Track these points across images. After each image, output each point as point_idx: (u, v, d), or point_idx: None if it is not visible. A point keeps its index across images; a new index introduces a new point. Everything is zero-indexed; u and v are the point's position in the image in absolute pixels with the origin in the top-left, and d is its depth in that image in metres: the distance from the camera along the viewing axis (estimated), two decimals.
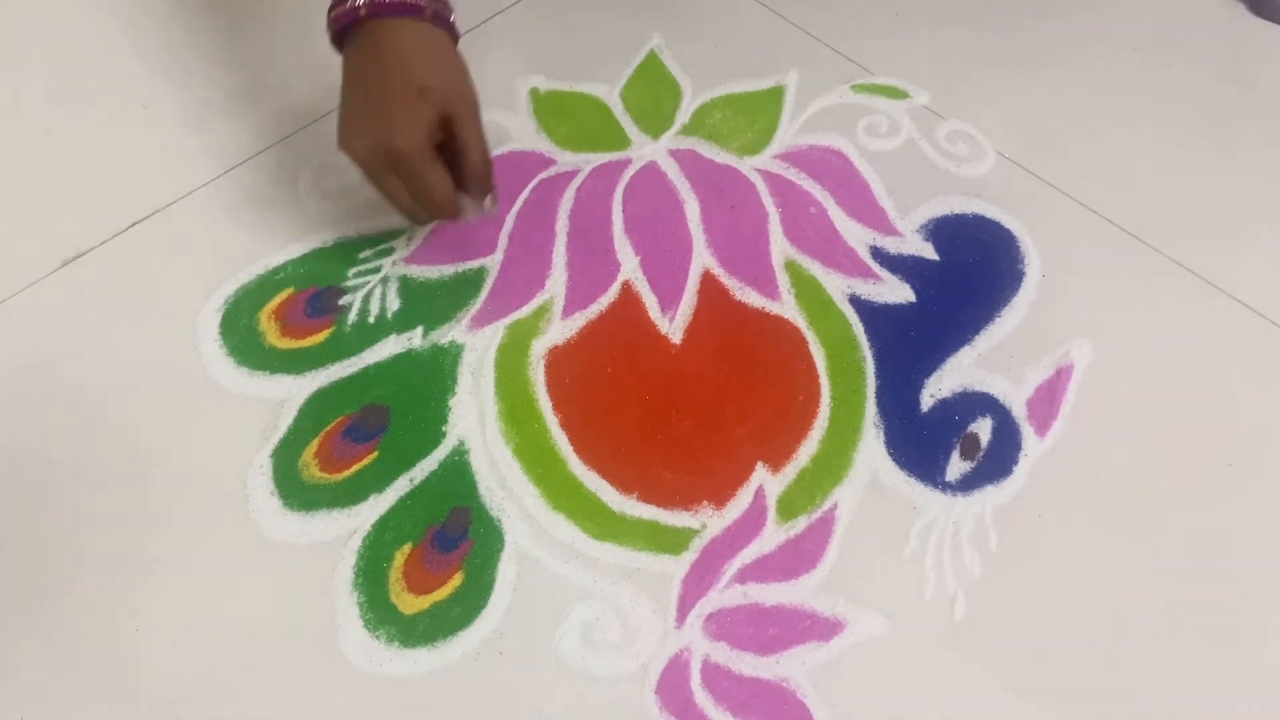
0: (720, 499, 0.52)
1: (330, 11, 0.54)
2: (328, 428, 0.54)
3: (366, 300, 0.59)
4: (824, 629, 0.48)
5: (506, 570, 0.50)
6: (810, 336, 0.58)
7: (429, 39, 0.53)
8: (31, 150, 0.67)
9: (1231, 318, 0.60)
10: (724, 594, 0.49)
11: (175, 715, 0.46)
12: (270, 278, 0.60)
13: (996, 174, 0.66)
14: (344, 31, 0.53)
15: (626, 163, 0.66)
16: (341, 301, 0.59)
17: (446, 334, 0.58)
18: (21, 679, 0.47)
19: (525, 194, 0.65)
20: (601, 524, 0.51)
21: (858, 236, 0.63)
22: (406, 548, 0.51)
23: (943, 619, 0.49)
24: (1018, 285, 0.61)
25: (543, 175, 0.66)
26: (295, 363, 0.57)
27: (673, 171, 0.66)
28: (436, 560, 0.50)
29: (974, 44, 0.74)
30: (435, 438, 0.54)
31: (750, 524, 0.52)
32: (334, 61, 0.55)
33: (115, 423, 0.54)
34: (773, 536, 0.51)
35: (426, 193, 0.52)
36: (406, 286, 0.60)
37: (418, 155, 0.51)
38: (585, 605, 0.49)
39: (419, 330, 0.58)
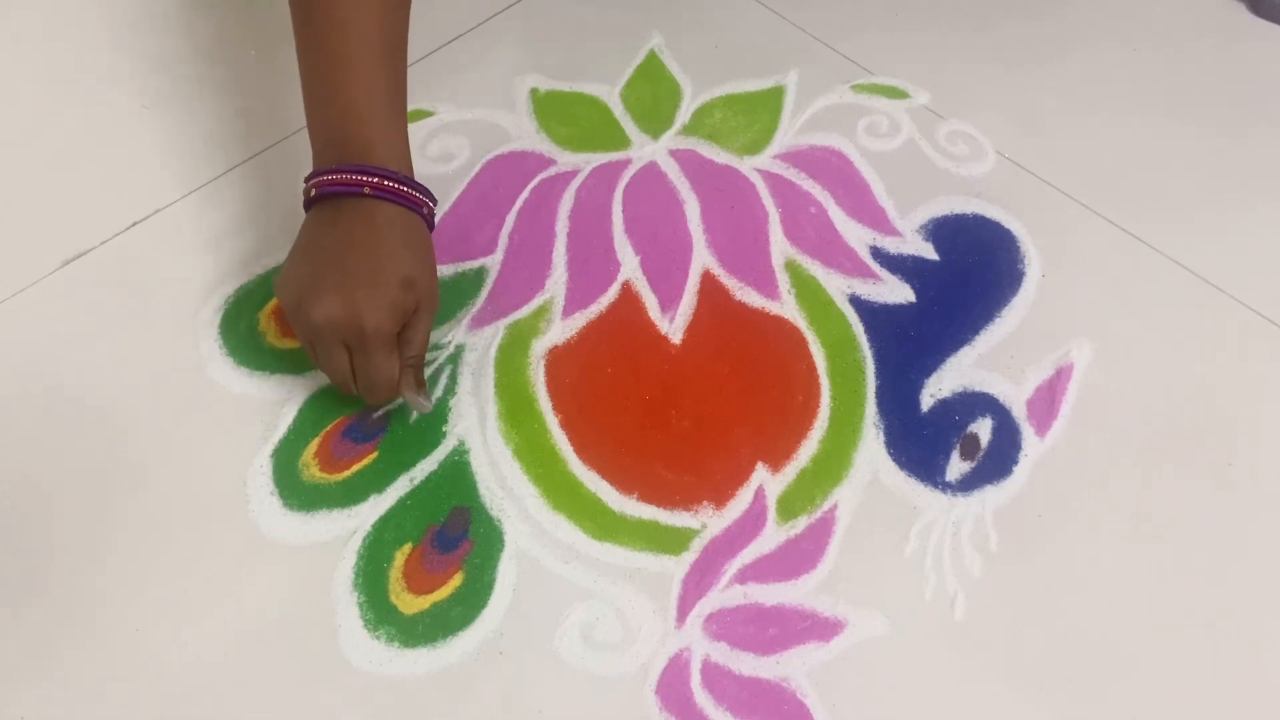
0: (720, 499, 0.52)
1: (316, 176, 0.52)
2: (328, 428, 0.54)
3: None
4: (824, 629, 0.48)
5: (506, 570, 0.50)
6: (810, 336, 0.58)
7: (418, 231, 0.52)
8: (31, 150, 0.67)
9: (1231, 318, 0.60)
10: (724, 594, 0.49)
11: (175, 715, 0.46)
12: (270, 278, 0.60)
13: (996, 174, 0.66)
14: (322, 197, 0.52)
15: (626, 163, 0.66)
16: None
17: (446, 334, 0.58)
18: (22, 679, 0.47)
19: (525, 194, 0.65)
20: (601, 524, 0.51)
21: (858, 236, 0.63)
22: (406, 548, 0.51)
23: (943, 619, 0.49)
24: (1018, 285, 0.61)
25: (543, 175, 0.66)
26: (295, 363, 0.57)
27: (673, 171, 0.66)
28: (436, 560, 0.50)
29: (974, 44, 0.74)
30: (435, 438, 0.54)
31: (750, 524, 0.52)
32: None
33: (115, 423, 0.54)
34: (773, 536, 0.51)
35: (372, 376, 0.50)
36: None
37: (384, 341, 0.50)
38: (585, 605, 0.49)
39: None
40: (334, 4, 0.52)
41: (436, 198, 0.55)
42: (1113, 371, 0.57)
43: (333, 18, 0.52)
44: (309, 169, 0.53)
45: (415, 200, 0.52)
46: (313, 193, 0.52)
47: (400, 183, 0.51)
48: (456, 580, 0.50)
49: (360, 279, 0.49)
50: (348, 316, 0.49)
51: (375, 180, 0.51)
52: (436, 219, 0.62)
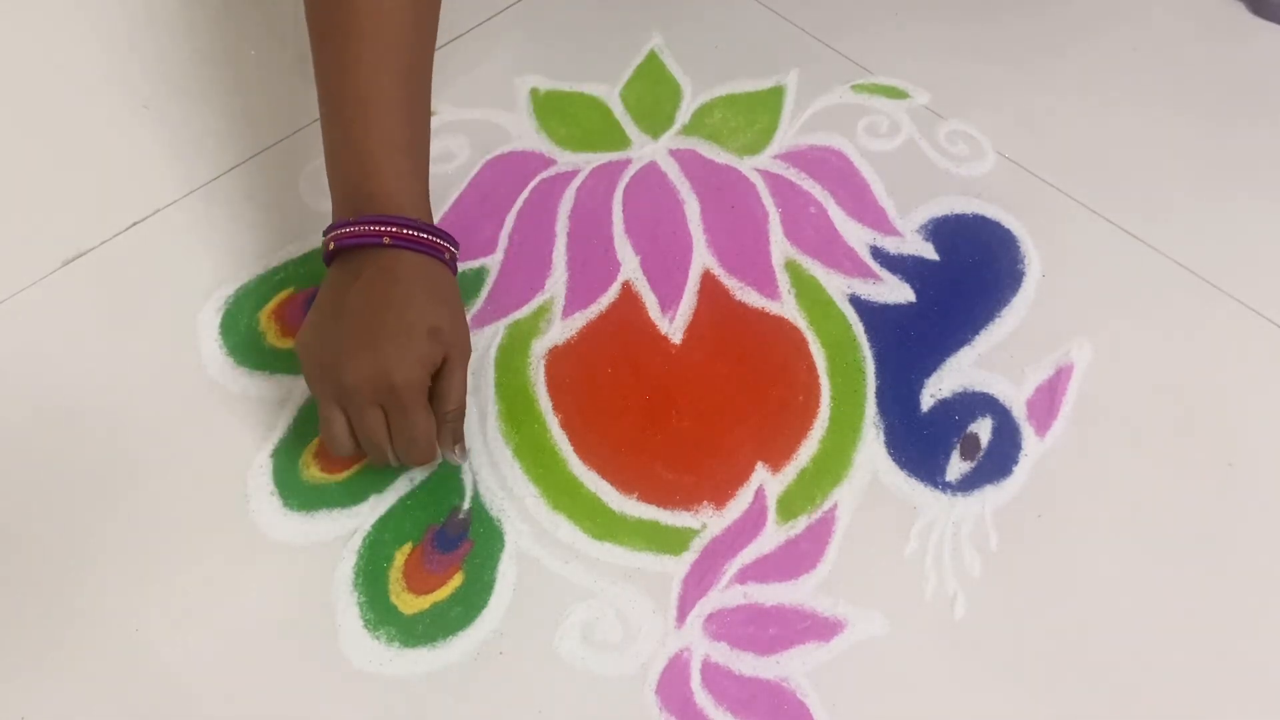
0: (720, 499, 0.52)
1: (335, 230, 0.50)
2: None
3: None
4: (824, 629, 0.48)
5: (506, 570, 0.50)
6: (810, 336, 0.58)
7: (442, 278, 0.51)
8: (31, 150, 0.67)
9: (1232, 317, 0.60)
10: (724, 594, 0.49)
11: (175, 715, 0.46)
12: (270, 278, 0.60)
13: (996, 174, 0.66)
14: (342, 250, 0.50)
15: (626, 163, 0.66)
16: None
17: None
18: (22, 679, 0.47)
19: (525, 194, 0.65)
20: (601, 524, 0.51)
21: (858, 236, 0.63)
22: (406, 548, 0.51)
23: (943, 619, 0.49)
24: (1018, 285, 0.61)
25: (543, 175, 0.66)
26: (295, 363, 0.56)
27: (673, 171, 0.66)
28: (436, 560, 0.50)
29: (974, 44, 0.74)
30: None
31: (750, 524, 0.52)
32: None
33: (115, 422, 0.54)
34: (773, 536, 0.51)
35: (411, 434, 0.48)
36: None
37: (417, 393, 0.48)
38: (585, 605, 0.49)
39: None
40: (355, 40, 0.51)
41: (458, 241, 0.53)
42: (1113, 371, 0.57)
43: (353, 56, 0.51)
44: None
45: (437, 247, 0.50)
46: (331, 246, 0.50)
47: (420, 230, 0.50)
48: (456, 580, 0.50)
49: (386, 334, 0.47)
50: (377, 374, 0.47)
51: (394, 230, 0.49)
52: (437, 220, 0.62)
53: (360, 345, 0.47)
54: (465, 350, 0.51)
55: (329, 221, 0.51)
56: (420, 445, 0.49)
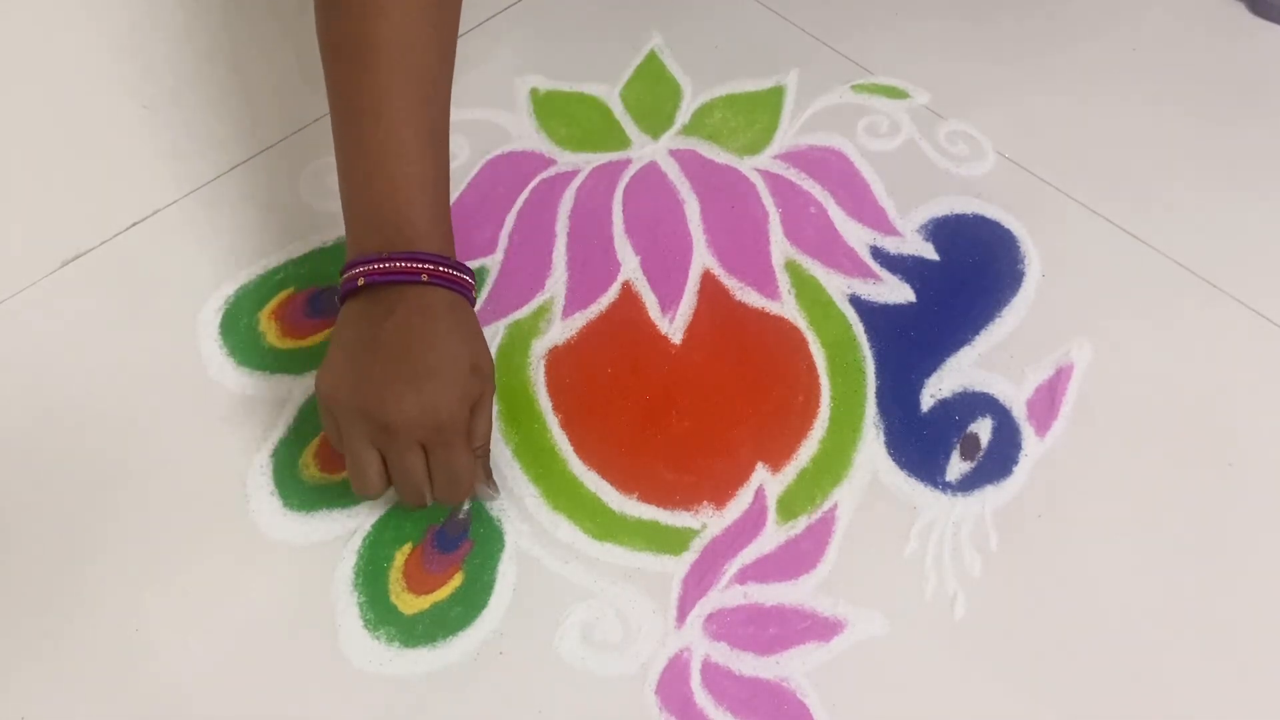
0: (720, 499, 0.52)
1: (362, 264, 0.48)
2: None
3: None
4: (824, 629, 0.48)
5: (506, 570, 0.50)
6: (810, 336, 0.58)
7: (469, 313, 0.50)
8: (32, 150, 0.67)
9: (1231, 318, 0.60)
10: (724, 594, 0.49)
11: (175, 715, 0.46)
12: (270, 278, 0.60)
13: (996, 174, 0.66)
14: (369, 286, 0.48)
15: (626, 163, 0.66)
16: None
17: None
18: (22, 679, 0.47)
19: (525, 194, 0.65)
20: (602, 524, 0.51)
21: (858, 236, 0.63)
22: (406, 548, 0.51)
23: (943, 619, 0.49)
24: (1018, 285, 0.61)
25: (543, 175, 0.66)
26: (295, 363, 0.57)
27: (673, 171, 0.66)
28: (436, 560, 0.50)
29: (974, 44, 0.74)
30: None
31: (750, 524, 0.52)
32: None
33: (115, 423, 0.54)
34: (773, 536, 0.51)
35: (452, 472, 0.47)
36: None
37: (462, 430, 0.47)
38: (585, 605, 0.49)
39: None
40: (375, 69, 0.49)
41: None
42: (1113, 371, 0.57)
43: (373, 84, 0.49)
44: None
45: (466, 284, 0.49)
46: (361, 282, 0.47)
47: (453, 267, 0.49)
48: (456, 580, 0.50)
49: (429, 372, 0.46)
50: (426, 413, 0.45)
51: (431, 267, 0.47)
52: None
53: (404, 384, 0.46)
54: (494, 385, 0.51)
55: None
56: (463, 483, 0.48)
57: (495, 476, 0.52)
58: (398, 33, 0.49)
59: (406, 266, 0.47)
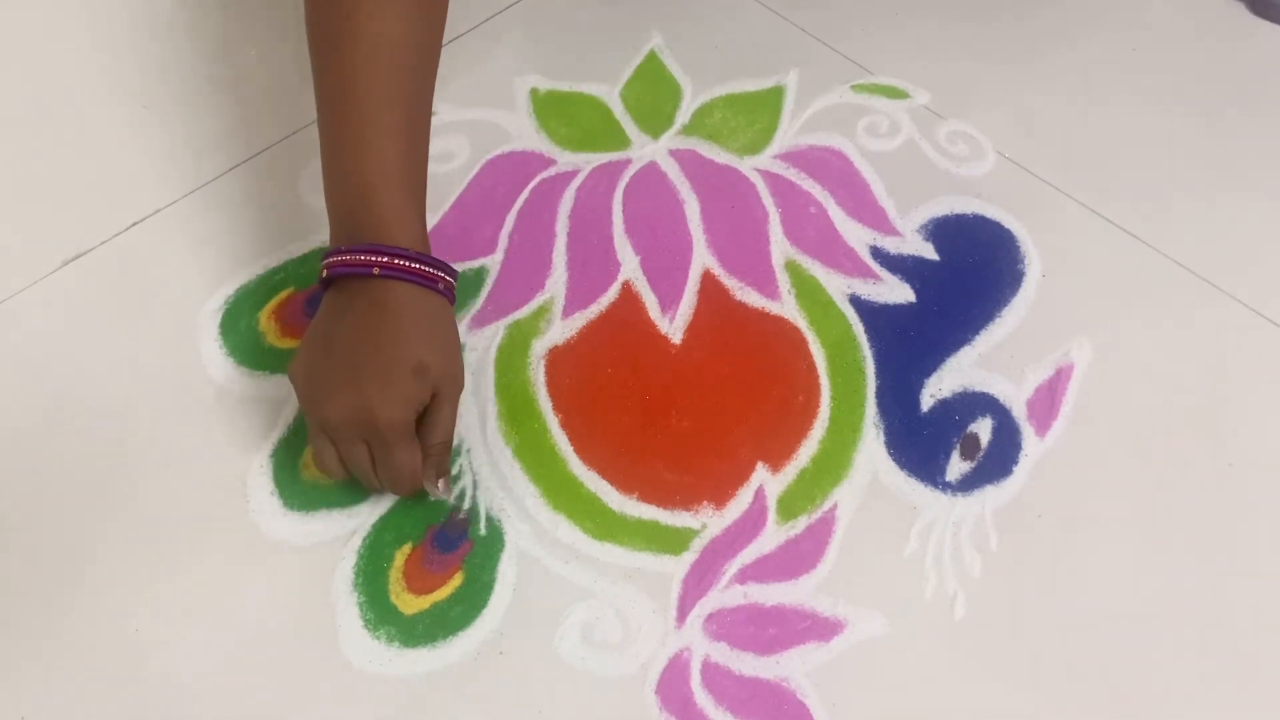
0: (720, 499, 0.52)
1: (329, 256, 0.49)
2: None
3: None
4: (824, 629, 0.48)
5: (506, 570, 0.50)
6: (810, 336, 0.58)
7: (436, 311, 0.50)
8: (32, 150, 0.67)
9: (1231, 318, 0.60)
10: (724, 594, 0.49)
11: (175, 715, 0.46)
12: (270, 278, 0.60)
13: (996, 174, 0.66)
14: (335, 278, 0.49)
15: (626, 163, 0.66)
16: None
17: None
18: (22, 679, 0.47)
19: (525, 194, 0.65)
20: (602, 524, 0.51)
21: (858, 236, 0.63)
22: (406, 548, 0.51)
23: (943, 619, 0.49)
24: (1018, 285, 0.61)
25: (543, 175, 0.66)
26: None
27: (673, 171, 0.66)
28: (436, 560, 0.50)
29: (974, 44, 0.74)
30: None
31: (750, 524, 0.52)
32: None
33: (115, 422, 0.54)
34: (773, 536, 0.51)
35: (392, 471, 0.48)
36: None
37: (400, 431, 0.47)
38: (585, 605, 0.49)
39: None
40: (353, 62, 0.50)
41: (456, 270, 0.52)
42: (1113, 371, 0.57)
43: (351, 77, 0.50)
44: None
45: (429, 277, 0.49)
46: (324, 274, 0.49)
47: (412, 260, 0.49)
48: (456, 580, 0.50)
49: (369, 373, 0.47)
50: (359, 412, 0.46)
51: (385, 260, 0.48)
52: (436, 220, 0.62)
53: (344, 382, 0.47)
54: (455, 385, 0.50)
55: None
56: (402, 480, 0.49)
57: (494, 477, 0.52)
58: (376, 25, 0.50)
59: (358, 260, 0.48)
